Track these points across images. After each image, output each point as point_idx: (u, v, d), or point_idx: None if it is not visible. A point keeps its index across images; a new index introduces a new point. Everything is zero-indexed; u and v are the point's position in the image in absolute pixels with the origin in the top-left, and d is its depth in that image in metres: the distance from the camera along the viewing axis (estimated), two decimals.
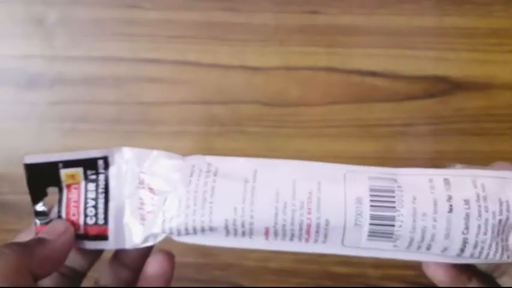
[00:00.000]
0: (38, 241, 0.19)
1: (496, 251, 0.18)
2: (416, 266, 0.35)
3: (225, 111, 0.36)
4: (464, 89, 0.35)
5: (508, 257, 0.18)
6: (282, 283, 0.36)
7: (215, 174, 0.19)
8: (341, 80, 0.35)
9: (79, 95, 0.36)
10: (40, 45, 0.36)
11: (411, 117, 0.35)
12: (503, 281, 0.20)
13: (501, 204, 0.18)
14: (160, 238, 0.20)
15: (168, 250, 0.20)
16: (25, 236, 0.20)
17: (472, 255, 0.18)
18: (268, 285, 0.36)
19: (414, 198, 0.18)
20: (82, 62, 0.36)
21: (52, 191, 0.21)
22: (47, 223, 0.20)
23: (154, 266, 0.20)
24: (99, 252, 0.21)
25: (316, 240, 0.19)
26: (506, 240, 0.18)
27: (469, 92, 0.35)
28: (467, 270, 0.20)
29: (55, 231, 0.20)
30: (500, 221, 0.18)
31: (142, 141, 0.35)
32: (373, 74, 0.35)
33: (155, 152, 0.20)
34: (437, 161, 0.35)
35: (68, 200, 0.21)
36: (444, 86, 0.35)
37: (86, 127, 0.36)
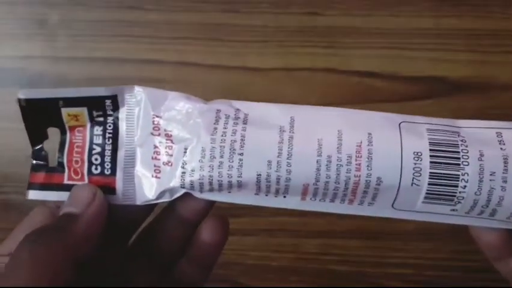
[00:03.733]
0: (68, 218, 0.16)
1: None
2: (416, 265, 0.35)
3: None
4: (462, 90, 0.35)
5: None
6: (282, 282, 0.36)
7: (245, 122, 0.17)
8: (340, 81, 0.36)
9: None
10: (42, 46, 0.36)
11: None
12: None
13: None
14: (178, 194, 0.17)
15: (223, 215, 0.19)
16: (41, 212, 0.17)
17: None
18: (268, 284, 0.36)
19: (481, 155, 0.15)
20: (83, 62, 0.36)
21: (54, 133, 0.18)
22: (48, 170, 0.18)
23: (209, 233, 0.18)
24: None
25: (362, 202, 0.16)
26: None
27: (467, 93, 0.35)
28: None
29: (82, 200, 0.16)
30: None
31: None
32: (372, 74, 0.35)
33: (173, 93, 0.18)
34: None
35: (71, 144, 0.18)
36: (443, 87, 0.35)
37: None
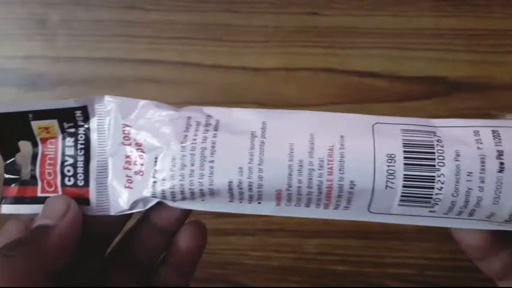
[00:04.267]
0: (42, 230, 0.16)
1: None
2: (416, 265, 0.35)
3: None
4: (462, 90, 0.35)
5: None
6: (282, 282, 0.36)
7: (216, 128, 0.16)
8: (340, 81, 0.36)
9: (80, 95, 0.36)
10: (42, 46, 0.36)
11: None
12: None
13: None
14: (151, 203, 0.17)
15: (199, 221, 0.19)
16: (14, 225, 0.17)
17: None
18: (268, 284, 0.36)
19: (458, 155, 0.15)
20: (83, 62, 0.36)
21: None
22: (21, 184, 0.17)
23: (186, 240, 0.18)
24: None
25: (337, 206, 0.16)
26: None
27: (467, 92, 0.35)
28: (502, 237, 0.17)
29: (56, 212, 0.16)
30: None
31: None
32: (372, 74, 0.35)
33: (142, 102, 0.17)
34: None
35: (43, 156, 0.18)
36: (443, 87, 0.35)
37: None
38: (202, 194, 0.16)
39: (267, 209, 0.17)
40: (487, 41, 0.36)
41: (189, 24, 0.36)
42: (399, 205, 0.16)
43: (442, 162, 0.15)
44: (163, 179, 0.16)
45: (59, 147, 0.18)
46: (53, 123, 0.17)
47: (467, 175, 0.15)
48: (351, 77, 0.36)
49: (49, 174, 0.18)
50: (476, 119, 0.16)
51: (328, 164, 0.15)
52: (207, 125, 0.17)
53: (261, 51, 0.36)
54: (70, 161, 0.18)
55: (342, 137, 0.16)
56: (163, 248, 0.19)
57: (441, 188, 0.15)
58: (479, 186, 0.15)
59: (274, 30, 0.36)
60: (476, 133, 0.15)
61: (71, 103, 0.17)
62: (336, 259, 0.36)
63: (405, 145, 0.15)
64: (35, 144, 0.18)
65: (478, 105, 0.35)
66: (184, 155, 0.16)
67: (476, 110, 0.35)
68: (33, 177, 0.18)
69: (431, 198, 0.15)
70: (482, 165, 0.15)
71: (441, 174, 0.15)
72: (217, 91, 0.36)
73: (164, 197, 0.17)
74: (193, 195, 0.16)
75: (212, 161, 0.16)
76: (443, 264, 0.35)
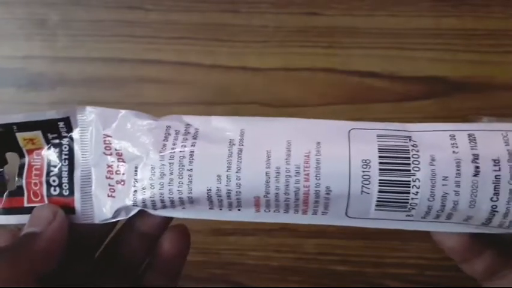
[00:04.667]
0: (28, 237, 0.16)
1: None
2: (416, 265, 0.35)
3: (225, 111, 0.35)
4: (462, 90, 0.35)
5: None
6: (282, 282, 0.36)
7: (194, 137, 0.17)
8: (340, 81, 0.36)
9: (79, 95, 0.36)
10: (41, 46, 0.36)
11: (410, 118, 0.35)
12: None
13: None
14: (133, 212, 0.17)
15: (183, 224, 0.19)
16: (1, 235, 0.17)
17: (500, 225, 0.15)
18: (268, 284, 0.36)
19: (433, 159, 0.15)
20: (82, 62, 0.36)
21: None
22: (8, 195, 0.18)
23: (169, 244, 0.19)
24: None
25: (315, 212, 0.16)
26: None
27: (466, 93, 0.35)
28: (483, 238, 0.17)
29: (43, 219, 0.17)
30: None
31: None
32: (372, 74, 0.35)
33: (122, 112, 0.18)
34: None
35: (29, 167, 0.18)
36: (442, 87, 0.35)
37: None
38: (182, 202, 0.17)
39: (247, 215, 0.17)
40: (487, 41, 0.36)
41: (189, 24, 0.36)
42: (376, 210, 0.16)
43: (417, 167, 0.15)
44: (143, 188, 0.17)
45: (45, 158, 0.18)
46: (38, 135, 0.18)
47: (443, 179, 0.15)
48: (351, 77, 0.36)
49: (35, 184, 0.18)
50: (453, 122, 0.16)
51: (304, 170, 0.15)
52: (186, 133, 0.17)
53: (261, 51, 0.36)
54: (55, 171, 0.18)
55: (318, 143, 0.16)
56: (148, 252, 0.20)
57: (417, 192, 0.15)
58: (454, 191, 0.15)
59: (274, 30, 0.36)
60: (452, 137, 0.15)
61: (53, 114, 0.18)
62: (336, 259, 0.36)
63: (380, 150, 0.15)
64: (21, 155, 0.18)
65: (477, 105, 0.35)
66: (163, 164, 0.16)
67: (476, 110, 0.35)
68: (20, 187, 0.18)
69: (407, 203, 0.15)
70: (458, 170, 0.15)
71: (417, 179, 0.15)
72: (216, 91, 0.36)
73: (145, 206, 0.17)
74: (173, 204, 0.17)
75: (190, 170, 0.16)
76: (443, 264, 0.35)
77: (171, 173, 0.16)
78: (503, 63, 0.35)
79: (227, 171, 0.16)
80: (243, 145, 0.16)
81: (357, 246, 0.36)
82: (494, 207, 0.15)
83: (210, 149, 0.16)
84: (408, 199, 0.15)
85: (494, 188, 0.15)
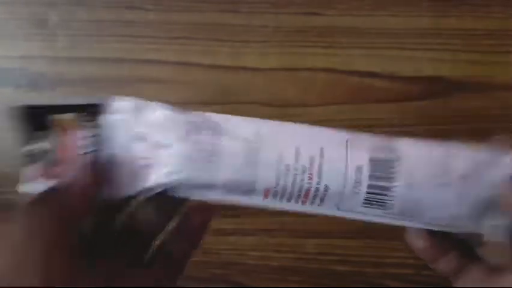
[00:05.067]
0: (64, 184, 0.18)
1: (475, 226, 0.19)
2: (415, 265, 0.35)
3: (225, 111, 0.36)
4: (461, 90, 0.35)
5: (481, 230, 0.20)
6: (282, 282, 0.36)
7: (217, 132, 0.19)
8: (340, 81, 0.36)
9: (80, 95, 0.36)
10: (41, 46, 0.36)
11: (409, 117, 0.35)
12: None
13: (484, 184, 0.19)
14: (156, 191, 0.19)
15: (206, 203, 0.21)
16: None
17: (454, 226, 0.20)
18: (268, 284, 0.36)
19: (412, 171, 0.19)
20: (82, 62, 0.36)
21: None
22: (40, 167, 0.20)
23: (196, 213, 0.21)
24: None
25: (312, 203, 0.20)
26: (483, 217, 0.19)
27: (466, 92, 0.35)
28: (447, 241, 0.21)
29: (77, 170, 0.19)
30: (483, 199, 0.19)
31: None
32: (371, 74, 0.35)
33: (153, 103, 0.20)
34: None
35: (61, 146, 0.20)
36: (442, 87, 0.35)
37: None
38: (202, 187, 0.19)
39: (256, 201, 0.20)
40: (487, 41, 0.36)
41: (189, 24, 0.36)
42: (362, 206, 0.20)
43: (399, 176, 0.19)
44: (169, 172, 0.19)
45: (75, 139, 0.20)
46: (71, 117, 0.20)
47: (418, 188, 0.19)
48: (351, 77, 0.36)
49: (70, 158, 0.20)
50: (432, 141, 0.20)
51: (309, 170, 0.19)
52: (210, 128, 0.19)
53: (261, 51, 0.36)
54: (85, 151, 0.20)
55: (321, 149, 0.19)
56: (162, 227, 0.21)
57: (395, 196, 0.19)
58: (427, 197, 0.19)
59: (274, 30, 0.36)
60: (430, 153, 0.19)
61: (88, 100, 0.20)
62: (336, 259, 0.36)
63: (371, 160, 0.19)
64: (53, 134, 0.20)
65: (478, 105, 0.35)
66: (189, 154, 0.19)
67: (476, 110, 0.35)
68: (51, 162, 0.20)
69: (386, 203, 0.19)
70: (432, 181, 0.19)
71: (397, 185, 0.19)
72: (217, 91, 0.36)
73: (168, 188, 0.19)
74: (194, 187, 0.19)
75: (213, 161, 0.19)
76: None
77: (195, 162, 0.19)
78: (503, 63, 0.36)
79: (245, 165, 0.19)
80: (259, 143, 0.19)
81: (357, 246, 0.36)
82: (453, 213, 0.19)
83: (231, 144, 0.19)
84: (387, 200, 0.19)
85: (458, 197, 0.19)
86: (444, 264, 0.21)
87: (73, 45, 0.36)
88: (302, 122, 0.35)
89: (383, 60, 0.36)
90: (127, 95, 0.36)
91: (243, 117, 0.20)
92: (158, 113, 0.20)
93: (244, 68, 0.36)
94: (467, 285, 0.21)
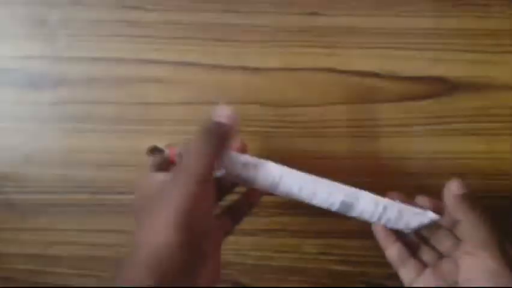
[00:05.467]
0: (221, 123, 0.27)
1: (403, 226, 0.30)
2: None
3: None
4: (462, 90, 0.35)
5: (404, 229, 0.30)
6: (282, 281, 0.36)
7: (254, 169, 0.29)
8: (340, 81, 0.36)
9: (80, 95, 0.36)
10: (42, 46, 0.36)
11: (410, 117, 0.35)
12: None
13: (403, 223, 0.29)
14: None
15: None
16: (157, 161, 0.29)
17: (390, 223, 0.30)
18: (268, 284, 0.36)
19: (389, 218, 0.29)
20: (83, 62, 0.36)
21: None
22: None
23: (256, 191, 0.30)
24: None
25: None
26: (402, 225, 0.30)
27: (466, 92, 0.35)
28: (394, 234, 0.30)
29: (225, 116, 0.27)
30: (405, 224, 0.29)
31: (143, 141, 0.35)
32: (372, 74, 0.36)
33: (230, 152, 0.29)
34: (435, 161, 0.35)
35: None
36: (443, 87, 0.35)
37: (87, 127, 0.36)
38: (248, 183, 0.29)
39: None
40: (486, 41, 0.36)
41: (189, 24, 0.36)
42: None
43: (384, 217, 0.29)
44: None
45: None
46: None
47: (388, 220, 0.30)
48: (351, 77, 0.36)
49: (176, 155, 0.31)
50: (383, 197, 0.29)
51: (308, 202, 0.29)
52: (248, 167, 0.29)
53: (261, 51, 0.36)
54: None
55: (314, 193, 0.29)
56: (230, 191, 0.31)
57: (382, 218, 0.30)
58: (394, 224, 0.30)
59: (274, 30, 0.36)
60: (377, 204, 0.29)
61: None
62: (336, 259, 0.36)
63: (341, 203, 0.29)
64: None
65: (478, 105, 0.35)
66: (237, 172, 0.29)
67: (476, 110, 0.35)
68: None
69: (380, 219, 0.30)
70: (378, 215, 0.29)
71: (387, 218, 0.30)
72: (217, 91, 0.36)
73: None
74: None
75: (253, 183, 0.29)
76: None
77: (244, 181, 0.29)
78: (503, 63, 0.36)
79: (270, 191, 0.29)
80: (279, 184, 0.29)
81: (357, 246, 0.36)
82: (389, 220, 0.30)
83: (263, 177, 0.29)
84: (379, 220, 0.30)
85: (394, 221, 0.30)
86: (392, 251, 0.30)
87: (73, 45, 0.36)
88: (302, 122, 0.36)
89: (383, 60, 0.36)
90: (127, 95, 0.36)
91: (273, 164, 0.29)
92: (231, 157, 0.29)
93: (244, 68, 0.36)
94: (409, 272, 0.30)
